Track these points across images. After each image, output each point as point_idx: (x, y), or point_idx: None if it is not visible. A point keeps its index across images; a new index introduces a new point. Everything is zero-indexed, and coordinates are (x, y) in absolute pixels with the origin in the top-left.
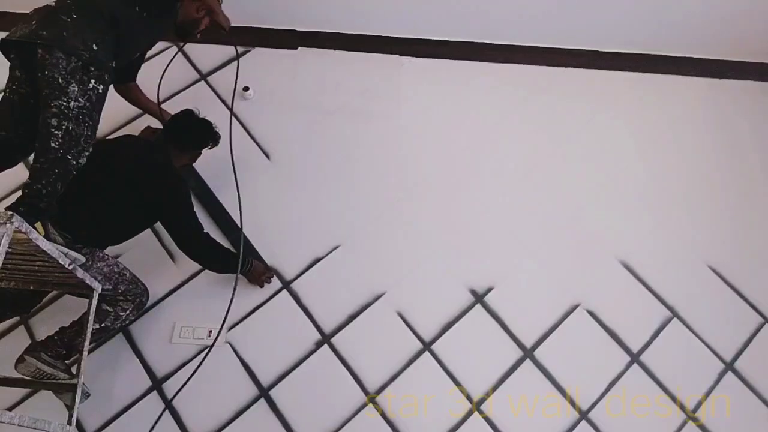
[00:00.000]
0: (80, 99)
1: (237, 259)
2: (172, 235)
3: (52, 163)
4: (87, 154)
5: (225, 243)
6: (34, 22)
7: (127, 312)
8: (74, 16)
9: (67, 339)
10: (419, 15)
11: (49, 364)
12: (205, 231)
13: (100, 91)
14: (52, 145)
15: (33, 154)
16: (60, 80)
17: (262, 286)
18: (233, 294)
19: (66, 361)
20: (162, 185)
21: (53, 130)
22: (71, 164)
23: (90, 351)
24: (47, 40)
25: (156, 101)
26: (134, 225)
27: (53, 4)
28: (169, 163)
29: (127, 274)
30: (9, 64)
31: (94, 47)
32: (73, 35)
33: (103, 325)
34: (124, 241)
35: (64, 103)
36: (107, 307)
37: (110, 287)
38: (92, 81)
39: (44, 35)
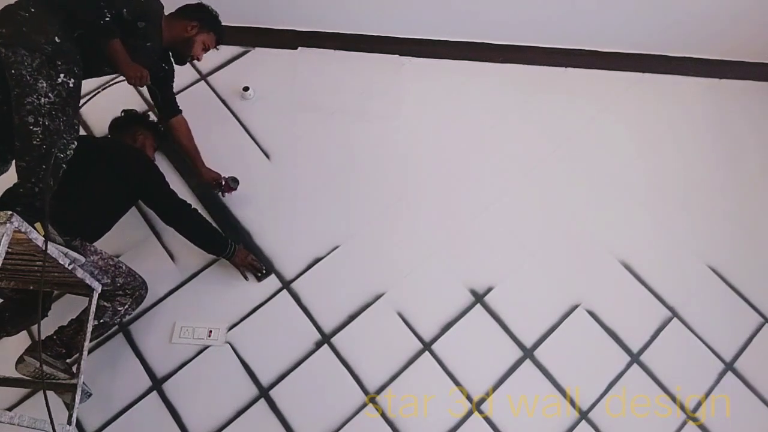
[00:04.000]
0: (50, 95)
1: (222, 240)
2: (156, 207)
3: (39, 160)
4: (74, 146)
5: None
6: None
7: (126, 306)
8: (32, 10)
9: (66, 338)
10: (419, 15)
11: (48, 364)
12: (192, 207)
13: (71, 85)
14: (34, 142)
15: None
16: (27, 77)
17: (245, 277)
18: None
19: (67, 360)
20: (136, 163)
21: (32, 127)
22: (59, 158)
23: (90, 351)
24: (7, 38)
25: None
26: (116, 207)
27: (12, 2)
28: (141, 149)
29: (123, 267)
30: None
31: (57, 39)
32: (33, 30)
33: (101, 321)
34: (109, 228)
35: (36, 100)
36: (105, 303)
37: (108, 281)
38: (61, 75)
39: (3, 32)
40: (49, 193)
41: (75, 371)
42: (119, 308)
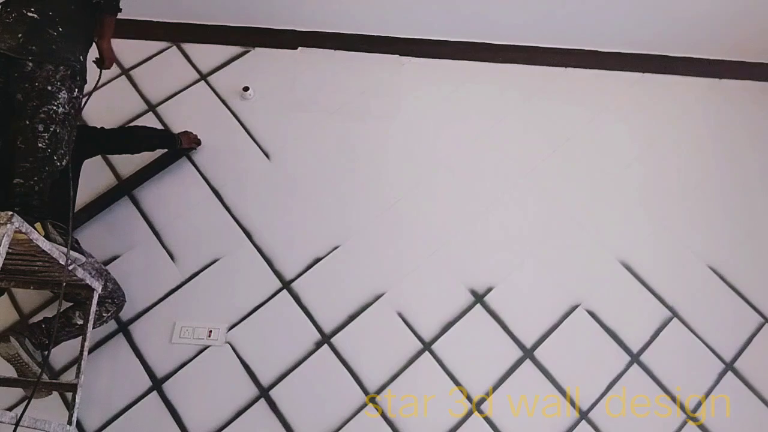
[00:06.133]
0: (66, 106)
1: (167, 133)
2: (107, 147)
3: (42, 162)
4: (68, 158)
5: None
6: (20, 36)
7: (110, 314)
8: (60, 29)
9: (53, 330)
10: (419, 15)
11: (28, 352)
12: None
13: (81, 101)
14: (39, 145)
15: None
16: (50, 87)
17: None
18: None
19: (45, 352)
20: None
21: (40, 132)
22: (56, 165)
23: (90, 351)
24: (38, 55)
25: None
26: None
27: (34, 15)
28: None
29: (111, 275)
30: None
31: (81, 59)
32: (62, 48)
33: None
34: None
35: (54, 108)
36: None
37: (102, 284)
38: (76, 90)
39: (35, 50)
40: (45, 195)
41: (75, 372)
42: (104, 314)
